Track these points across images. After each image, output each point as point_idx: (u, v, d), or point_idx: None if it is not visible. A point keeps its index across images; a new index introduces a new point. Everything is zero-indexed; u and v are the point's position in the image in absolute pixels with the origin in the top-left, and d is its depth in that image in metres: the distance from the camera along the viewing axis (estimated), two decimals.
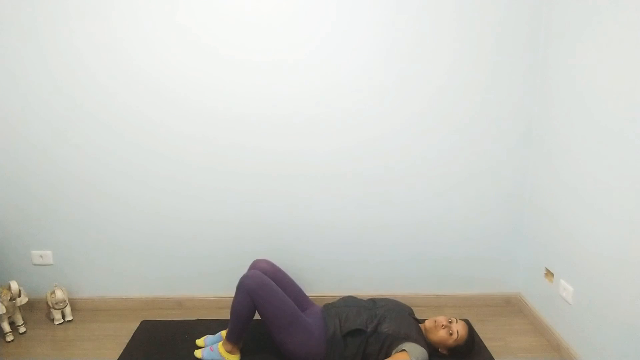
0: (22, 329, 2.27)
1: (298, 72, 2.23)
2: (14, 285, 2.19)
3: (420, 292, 2.59)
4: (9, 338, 2.20)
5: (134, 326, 2.33)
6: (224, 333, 2.13)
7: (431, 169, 2.39)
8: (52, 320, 2.36)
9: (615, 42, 1.75)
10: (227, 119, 2.28)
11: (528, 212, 2.45)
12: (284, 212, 2.43)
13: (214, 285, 2.53)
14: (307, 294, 2.31)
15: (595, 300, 1.91)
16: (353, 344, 1.94)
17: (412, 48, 2.22)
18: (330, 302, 2.19)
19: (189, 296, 2.54)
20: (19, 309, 2.25)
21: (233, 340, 2.01)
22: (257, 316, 1.98)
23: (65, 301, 2.34)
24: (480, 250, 2.53)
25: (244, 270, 2.36)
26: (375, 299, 2.21)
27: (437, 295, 2.59)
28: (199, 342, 2.16)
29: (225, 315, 2.17)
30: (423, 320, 2.12)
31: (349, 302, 2.12)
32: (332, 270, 2.54)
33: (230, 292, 2.17)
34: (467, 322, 2.09)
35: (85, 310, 2.49)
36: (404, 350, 1.88)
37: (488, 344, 2.22)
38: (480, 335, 2.28)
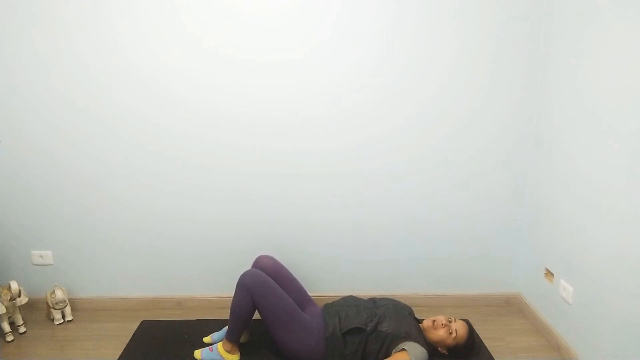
0: (22, 329, 2.27)
1: (298, 72, 2.23)
2: (14, 285, 2.19)
3: (420, 292, 2.59)
4: (9, 338, 2.20)
5: (134, 326, 2.33)
6: None
7: (431, 169, 2.39)
8: (52, 320, 2.36)
9: (615, 42, 1.75)
10: (228, 118, 2.29)
11: (528, 212, 2.45)
12: (284, 212, 2.43)
13: (214, 285, 2.53)
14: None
15: (595, 300, 1.90)
16: (352, 343, 1.94)
17: (412, 48, 2.22)
18: (330, 301, 2.20)
19: (189, 296, 2.54)
20: (19, 309, 2.25)
21: (233, 339, 2.01)
22: (257, 316, 1.98)
23: (65, 301, 2.35)
24: (480, 250, 2.53)
25: (244, 270, 2.35)
26: (375, 298, 2.21)
27: (437, 295, 2.59)
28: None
29: (225, 315, 2.17)
30: (422, 320, 2.12)
31: (349, 302, 2.12)
32: (332, 270, 2.54)
33: (230, 292, 2.17)
34: (466, 321, 2.09)
35: (85, 310, 2.49)
36: (403, 349, 1.88)
37: (488, 343, 2.22)
38: (480, 335, 2.28)
